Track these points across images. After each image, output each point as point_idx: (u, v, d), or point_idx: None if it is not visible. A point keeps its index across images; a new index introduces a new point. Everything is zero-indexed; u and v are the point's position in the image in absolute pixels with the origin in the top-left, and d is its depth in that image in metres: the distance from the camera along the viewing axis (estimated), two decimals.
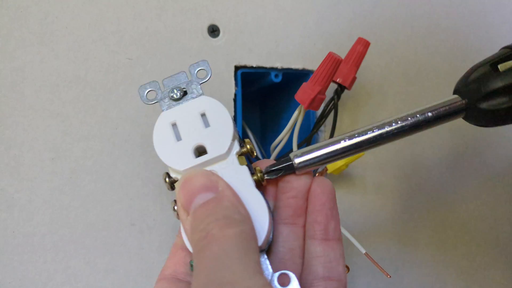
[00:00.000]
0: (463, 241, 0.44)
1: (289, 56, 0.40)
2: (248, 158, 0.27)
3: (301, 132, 0.36)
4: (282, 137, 0.36)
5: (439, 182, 0.44)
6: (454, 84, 0.29)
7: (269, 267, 0.23)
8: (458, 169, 0.44)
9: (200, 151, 0.25)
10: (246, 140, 0.26)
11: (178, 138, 0.25)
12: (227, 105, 0.38)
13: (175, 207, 0.25)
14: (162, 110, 0.26)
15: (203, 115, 0.26)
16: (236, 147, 0.25)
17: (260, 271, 0.20)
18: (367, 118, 0.42)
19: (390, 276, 0.35)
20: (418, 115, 0.27)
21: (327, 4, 0.42)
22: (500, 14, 0.44)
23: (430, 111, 0.27)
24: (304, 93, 0.34)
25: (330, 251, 0.25)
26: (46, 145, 0.34)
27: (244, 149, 0.25)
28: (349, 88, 0.36)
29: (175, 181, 0.25)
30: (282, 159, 0.26)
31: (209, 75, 0.26)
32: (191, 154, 0.25)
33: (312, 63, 0.41)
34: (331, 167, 0.37)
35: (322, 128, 0.41)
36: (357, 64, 0.35)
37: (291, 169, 0.26)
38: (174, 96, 0.26)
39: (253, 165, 0.27)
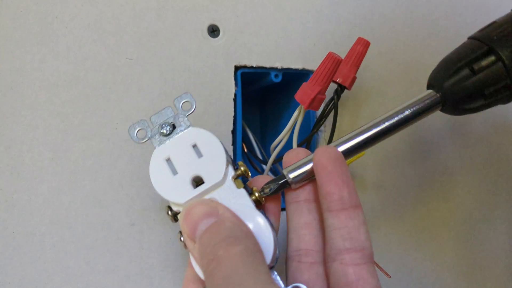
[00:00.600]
0: (463, 241, 0.44)
1: (289, 56, 0.40)
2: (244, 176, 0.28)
3: (301, 132, 0.36)
4: (282, 137, 0.36)
5: (439, 182, 0.44)
6: None
7: (281, 282, 0.24)
8: (459, 168, 0.44)
9: (197, 181, 0.26)
10: (240, 162, 0.27)
11: (174, 172, 0.26)
12: (227, 105, 0.38)
13: (181, 238, 0.26)
14: (154, 147, 0.27)
15: (194, 146, 0.26)
16: (231, 172, 0.26)
17: (271, 281, 0.21)
18: (367, 118, 0.42)
19: (390, 276, 0.35)
20: (396, 116, 0.29)
21: (327, 4, 0.42)
22: (502, 14, 0.44)
23: (408, 109, 0.29)
24: (304, 93, 0.34)
25: (348, 221, 0.24)
26: (46, 145, 0.34)
27: (239, 172, 0.26)
28: (349, 88, 0.36)
29: (178, 213, 0.26)
30: (277, 177, 0.27)
31: (194, 107, 0.27)
32: (189, 186, 0.25)
33: (312, 63, 0.41)
34: None
35: (322, 128, 0.41)
36: (357, 64, 0.35)
37: (287, 185, 0.27)
38: (164, 131, 0.27)
39: (249, 183, 0.28)
